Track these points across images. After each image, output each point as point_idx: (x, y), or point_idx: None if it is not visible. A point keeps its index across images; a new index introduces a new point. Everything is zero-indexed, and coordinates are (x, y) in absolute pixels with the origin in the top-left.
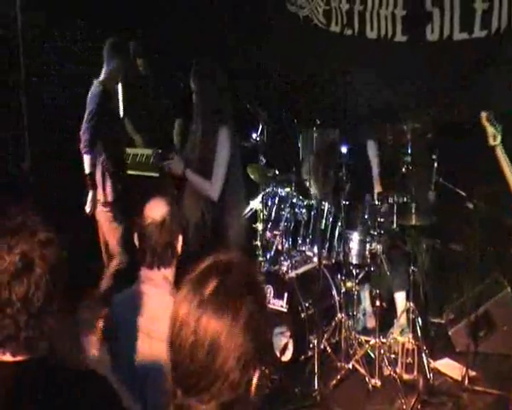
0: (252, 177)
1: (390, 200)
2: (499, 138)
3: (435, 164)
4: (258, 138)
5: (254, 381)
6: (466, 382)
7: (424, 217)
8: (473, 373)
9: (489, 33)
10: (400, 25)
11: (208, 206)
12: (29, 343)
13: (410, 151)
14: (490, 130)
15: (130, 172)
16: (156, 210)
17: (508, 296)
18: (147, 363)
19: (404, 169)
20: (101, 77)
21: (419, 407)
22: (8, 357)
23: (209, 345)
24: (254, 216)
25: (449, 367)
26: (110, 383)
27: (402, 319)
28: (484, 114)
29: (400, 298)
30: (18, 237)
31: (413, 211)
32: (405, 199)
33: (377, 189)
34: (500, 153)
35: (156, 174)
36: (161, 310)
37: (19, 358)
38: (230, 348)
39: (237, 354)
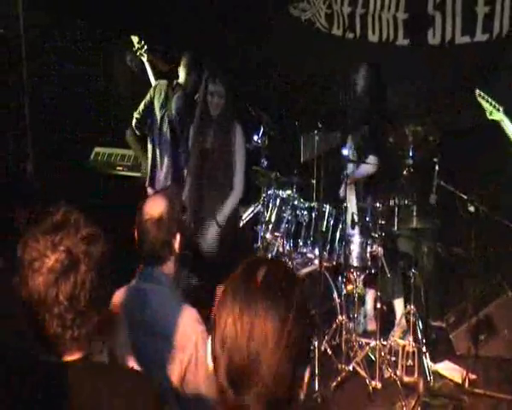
0: (254, 179)
1: (391, 202)
2: (496, 113)
3: (436, 167)
4: (259, 141)
5: (306, 377)
6: (466, 385)
7: (425, 220)
8: (473, 376)
9: (490, 37)
10: (402, 28)
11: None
12: (75, 343)
13: (411, 154)
14: (485, 105)
15: (113, 172)
16: (154, 207)
17: (509, 300)
18: (147, 362)
19: (405, 172)
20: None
21: (419, 409)
22: (54, 358)
23: (263, 336)
24: (256, 218)
25: (449, 370)
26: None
27: (402, 322)
28: (477, 91)
29: (399, 305)
30: (62, 234)
31: (414, 214)
32: (407, 202)
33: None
34: (502, 123)
35: (138, 174)
36: (161, 307)
37: (66, 358)
38: (283, 339)
39: (289, 346)
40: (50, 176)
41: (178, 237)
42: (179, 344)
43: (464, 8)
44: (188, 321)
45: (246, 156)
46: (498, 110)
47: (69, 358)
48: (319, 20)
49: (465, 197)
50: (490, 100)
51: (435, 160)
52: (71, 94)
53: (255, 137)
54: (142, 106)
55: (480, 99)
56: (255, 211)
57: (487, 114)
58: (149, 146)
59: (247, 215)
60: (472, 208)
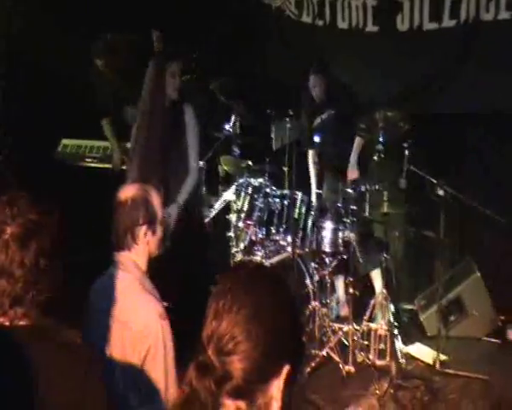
0: (225, 168)
1: (362, 188)
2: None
3: (406, 152)
4: (231, 129)
5: (283, 372)
6: (437, 366)
7: (396, 204)
8: (444, 357)
9: (458, 23)
10: (371, 15)
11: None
12: (29, 310)
13: (381, 139)
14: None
15: (82, 163)
16: (124, 192)
17: (477, 281)
18: (106, 346)
19: (376, 157)
20: None
21: (392, 391)
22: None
23: (246, 316)
24: (228, 207)
25: (421, 352)
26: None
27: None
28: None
29: (376, 274)
30: (17, 208)
31: (385, 198)
32: (377, 187)
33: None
34: None
35: (109, 166)
36: (122, 294)
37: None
38: (257, 336)
39: (263, 343)
40: (21, 167)
41: (144, 228)
42: (139, 334)
43: None
44: (150, 313)
45: (199, 138)
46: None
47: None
48: (289, 8)
49: (434, 181)
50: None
51: (405, 145)
52: (42, 84)
53: (227, 126)
54: None
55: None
56: (227, 200)
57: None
58: None
59: (218, 204)
60: (441, 192)
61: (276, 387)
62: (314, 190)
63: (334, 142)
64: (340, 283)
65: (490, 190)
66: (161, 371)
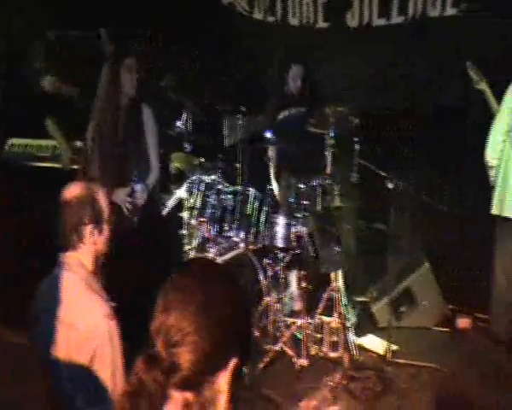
0: (177, 165)
1: (314, 182)
2: (482, 84)
3: (357, 146)
4: (182, 126)
5: (231, 365)
6: (389, 356)
7: (348, 198)
8: (395, 347)
9: (406, 19)
10: (322, 11)
11: None
12: None
13: (332, 134)
14: (473, 76)
15: (30, 163)
16: (70, 191)
17: (427, 272)
18: (52, 348)
19: (327, 152)
20: None
21: (345, 382)
22: None
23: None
24: (180, 205)
25: (373, 343)
26: None
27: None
28: (468, 64)
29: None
30: None
31: (337, 192)
32: (329, 181)
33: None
34: (486, 93)
35: (58, 165)
36: (67, 294)
37: None
38: (202, 328)
39: (208, 335)
40: None
41: (90, 226)
42: (86, 335)
43: None
44: (97, 314)
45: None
46: (483, 81)
47: None
48: (240, 4)
49: (384, 174)
50: (477, 71)
51: (356, 139)
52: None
53: (178, 123)
54: None
55: (469, 69)
56: (179, 197)
57: (474, 83)
58: None
59: (171, 202)
60: (391, 185)
61: (224, 379)
62: (275, 185)
63: (299, 140)
64: (293, 277)
65: (436, 182)
66: (109, 371)
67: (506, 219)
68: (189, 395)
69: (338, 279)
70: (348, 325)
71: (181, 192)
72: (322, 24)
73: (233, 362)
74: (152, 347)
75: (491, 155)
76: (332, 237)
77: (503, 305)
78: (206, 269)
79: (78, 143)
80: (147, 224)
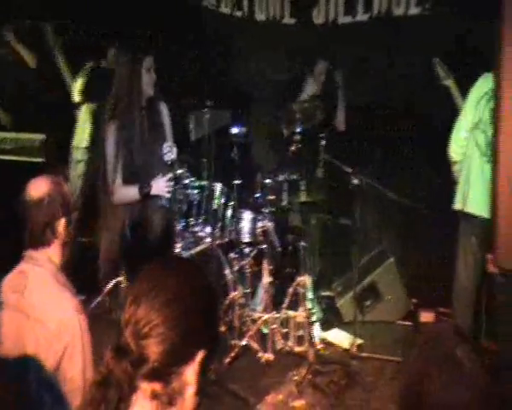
0: None
1: (280, 177)
2: (449, 80)
3: (323, 142)
4: None
5: (198, 357)
6: (354, 350)
7: (313, 193)
8: (360, 341)
9: (371, 17)
10: (288, 7)
11: None
12: None
13: (299, 130)
14: (439, 73)
15: (10, 157)
16: (36, 188)
17: (391, 267)
18: (22, 345)
19: (293, 147)
20: None
21: (310, 376)
22: None
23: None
24: None
25: (338, 337)
26: None
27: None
28: (435, 60)
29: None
30: None
31: (303, 188)
32: (295, 176)
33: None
34: (452, 89)
35: (23, 158)
36: (38, 290)
37: None
38: (167, 322)
39: (174, 328)
40: None
41: (63, 220)
42: (56, 332)
43: None
44: (66, 308)
45: None
46: (449, 77)
47: None
48: None
49: (349, 170)
50: (444, 68)
51: (321, 135)
52: None
53: None
54: None
55: (436, 66)
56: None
57: (441, 79)
58: None
59: None
60: (356, 181)
61: (191, 371)
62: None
63: None
64: (259, 272)
65: (402, 177)
66: (79, 368)
67: (468, 214)
68: (157, 386)
69: (304, 274)
70: (314, 319)
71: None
72: (288, 20)
73: (200, 354)
74: (121, 338)
75: (455, 150)
76: (297, 232)
77: (465, 299)
78: (175, 262)
79: (41, 137)
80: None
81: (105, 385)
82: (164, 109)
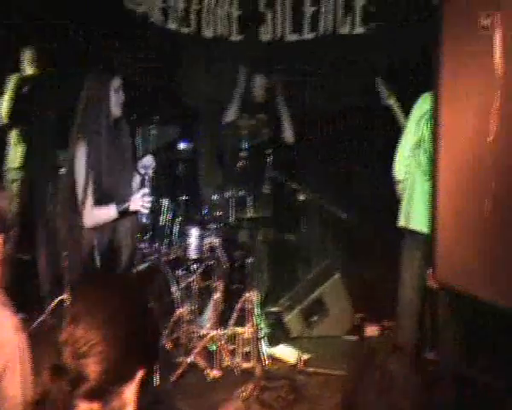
0: None
1: (227, 194)
2: (391, 100)
3: (269, 158)
4: None
5: (138, 377)
6: (300, 365)
7: (260, 209)
8: (306, 356)
9: (317, 35)
10: (236, 24)
11: None
12: None
13: (246, 146)
14: (382, 92)
15: None
16: None
17: (337, 282)
18: None
19: (240, 163)
20: None
21: (257, 392)
22: None
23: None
24: None
25: (285, 353)
26: None
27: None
28: (377, 80)
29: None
30: None
31: (250, 204)
32: (242, 193)
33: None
34: (394, 108)
35: None
36: None
37: None
38: (105, 339)
39: (113, 345)
40: None
41: (1, 237)
42: None
43: (293, 8)
44: (6, 328)
45: None
46: (392, 97)
47: None
48: (154, 14)
49: (295, 187)
50: (386, 87)
51: (268, 151)
52: None
53: None
54: None
55: (378, 85)
56: None
57: (383, 99)
58: None
59: None
60: (302, 197)
61: (131, 390)
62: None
63: None
64: (206, 289)
65: (346, 193)
66: (19, 386)
67: (412, 231)
68: (96, 406)
69: (251, 291)
70: (261, 335)
71: None
72: (235, 37)
73: (140, 374)
74: (60, 357)
75: (399, 169)
76: (243, 248)
77: (410, 312)
78: (114, 281)
79: None
80: None
81: (43, 404)
82: (126, 128)
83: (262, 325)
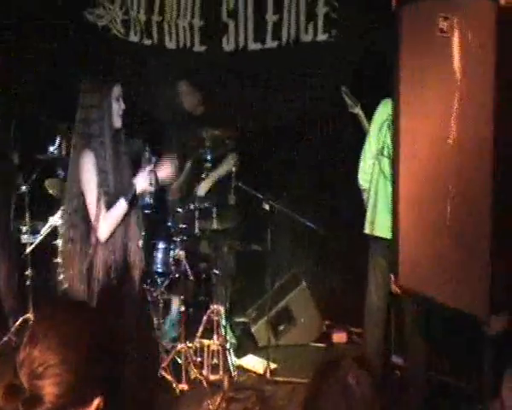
0: (51, 192)
1: (191, 206)
2: (356, 108)
3: (234, 169)
4: (55, 151)
5: (94, 403)
6: (268, 375)
7: (225, 220)
8: (274, 366)
9: (280, 44)
10: (198, 35)
11: None
12: None
13: (209, 157)
14: (347, 101)
15: None
16: None
17: (304, 290)
18: None
19: (204, 175)
20: None
21: (225, 404)
22: None
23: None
24: (54, 232)
25: (252, 363)
26: None
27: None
28: (342, 89)
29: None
30: None
31: (214, 215)
32: (207, 204)
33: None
34: (360, 117)
35: None
36: None
37: None
38: (62, 365)
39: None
40: None
41: None
42: None
43: (255, 17)
44: None
45: None
46: (357, 105)
47: None
48: (116, 27)
49: (260, 196)
50: (351, 96)
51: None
52: None
53: (51, 148)
54: None
55: (343, 94)
56: (53, 224)
57: (349, 107)
58: None
59: (45, 229)
60: (267, 207)
61: None
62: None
63: None
64: (173, 302)
65: (312, 202)
66: None
67: (377, 238)
68: None
69: (217, 302)
70: (228, 346)
71: (55, 219)
72: (198, 48)
73: (97, 401)
74: (16, 377)
75: (363, 177)
76: (209, 260)
77: (376, 318)
78: (76, 304)
79: None
80: None
81: None
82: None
83: (229, 337)
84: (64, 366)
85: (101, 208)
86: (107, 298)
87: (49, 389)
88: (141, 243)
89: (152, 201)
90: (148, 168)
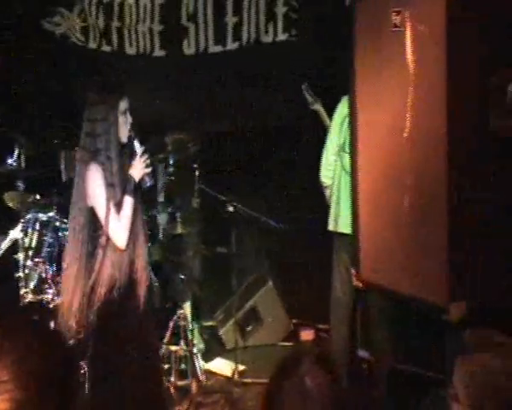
0: (10, 204)
1: (154, 211)
2: (317, 105)
3: (197, 172)
4: (14, 163)
5: None
6: (236, 377)
7: (189, 224)
8: (242, 367)
9: (241, 45)
10: (158, 40)
11: None
12: None
13: (171, 162)
14: (308, 98)
15: None
16: None
17: (270, 290)
18: None
19: (167, 180)
20: None
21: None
22: None
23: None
24: (15, 246)
25: (220, 366)
26: None
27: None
28: (303, 86)
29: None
30: None
31: (178, 220)
32: (170, 208)
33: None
34: (321, 113)
35: None
36: None
37: None
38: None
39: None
40: None
41: None
42: None
43: (215, 19)
44: None
45: None
46: (317, 102)
47: None
48: (75, 34)
49: (224, 198)
50: (312, 93)
51: (195, 165)
52: None
53: (9, 160)
54: None
55: (304, 91)
56: (14, 238)
57: (309, 104)
58: None
59: (5, 243)
60: (231, 208)
61: None
62: None
63: None
64: None
65: (276, 201)
66: None
67: (340, 234)
68: None
69: (184, 307)
70: (195, 351)
71: (15, 233)
72: (158, 52)
73: None
74: None
75: (325, 174)
76: (174, 265)
77: (341, 313)
78: (28, 319)
79: None
80: None
81: None
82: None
83: (197, 341)
84: (16, 383)
85: (113, 219)
86: (109, 315)
87: (1, 405)
88: (147, 183)
89: (153, 181)
90: (139, 154)
